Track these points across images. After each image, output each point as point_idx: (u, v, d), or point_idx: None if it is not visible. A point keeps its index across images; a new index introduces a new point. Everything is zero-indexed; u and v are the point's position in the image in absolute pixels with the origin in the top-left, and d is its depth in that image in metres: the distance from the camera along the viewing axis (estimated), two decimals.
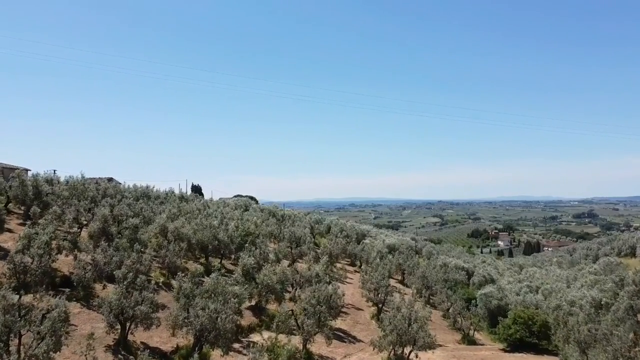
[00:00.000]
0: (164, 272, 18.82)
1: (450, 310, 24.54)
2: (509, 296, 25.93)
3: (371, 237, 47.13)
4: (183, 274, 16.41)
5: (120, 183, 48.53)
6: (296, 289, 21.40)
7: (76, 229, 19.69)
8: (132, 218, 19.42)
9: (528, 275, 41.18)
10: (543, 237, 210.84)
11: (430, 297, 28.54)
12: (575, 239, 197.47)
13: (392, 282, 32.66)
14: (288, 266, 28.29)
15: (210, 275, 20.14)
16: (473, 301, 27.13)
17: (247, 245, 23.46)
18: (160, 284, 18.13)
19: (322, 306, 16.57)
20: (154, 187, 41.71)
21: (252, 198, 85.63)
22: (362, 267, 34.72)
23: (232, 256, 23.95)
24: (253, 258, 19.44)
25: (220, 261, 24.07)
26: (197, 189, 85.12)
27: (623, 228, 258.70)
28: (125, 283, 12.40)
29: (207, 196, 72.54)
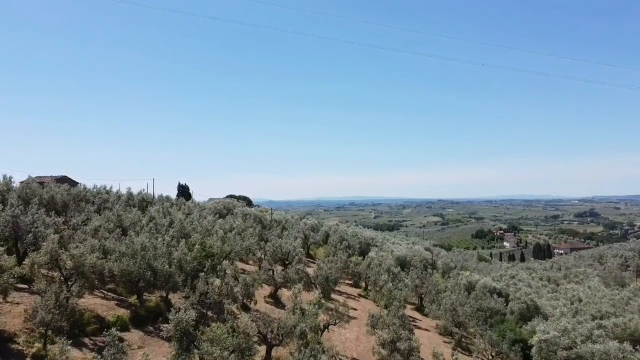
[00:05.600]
0: (43, 331, 11.16)
1: None
2: (579, 343, 18.26)
3: (377, 246, 39.50)
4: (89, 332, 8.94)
5: (77, 183, 40.90)
6: (272, 346, 13.83)
7: None
8: None
9: (570, 296, 33.59)
10: (549, 238, 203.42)
11: (463, 338, 21.00)
12: (582, 240, 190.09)
13: (407, 308, 25.23)
14: (268, 296, 20.74)
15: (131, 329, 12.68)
16: (520, 343, 19.66)
17: (202, 274, 15.82)
18: (29, 358, 10.50)
19: None
20: (111, 188, 34.16)
21: (244, 198, 77.64)
22: (369, 288, 27.23)
23: (185, 287, 16.36)
24: (194, 311, 11.66)
25: (166, 296, 16.46)
26: (184, 189, 77.10)
27: (626, 227, 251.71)
28: None
29: (198, 198, 64.96)
